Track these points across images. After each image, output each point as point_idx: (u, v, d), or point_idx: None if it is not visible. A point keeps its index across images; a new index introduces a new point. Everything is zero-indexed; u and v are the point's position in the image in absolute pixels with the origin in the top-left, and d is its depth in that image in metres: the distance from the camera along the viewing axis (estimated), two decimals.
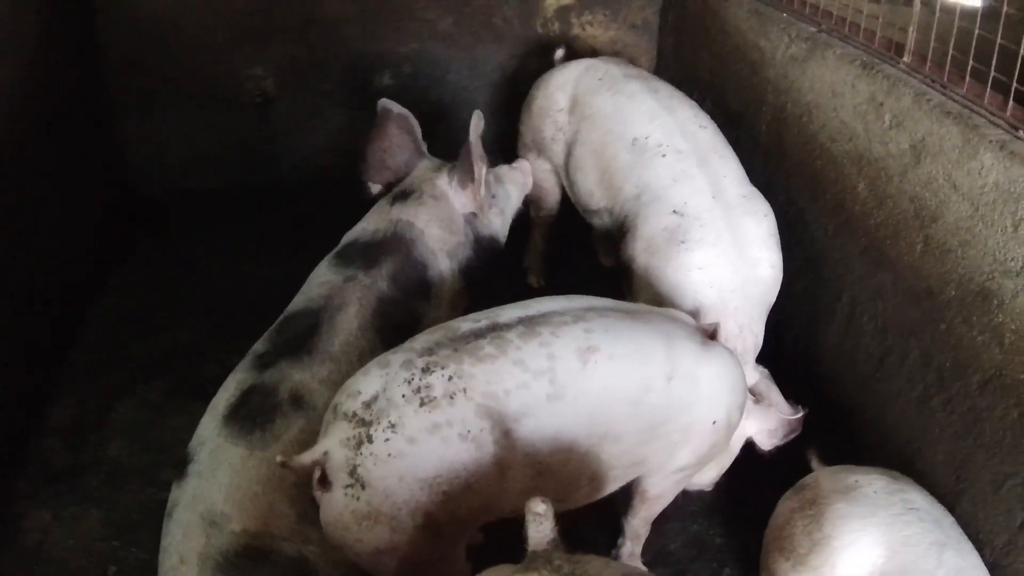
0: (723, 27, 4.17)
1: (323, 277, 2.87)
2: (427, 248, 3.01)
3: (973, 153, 2.59)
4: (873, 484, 2.59)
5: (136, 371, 3.67)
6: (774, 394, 3.07)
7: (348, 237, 3.07)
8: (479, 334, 2.27)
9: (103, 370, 3.71)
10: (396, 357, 2.23)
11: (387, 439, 2.07)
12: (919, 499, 2.56)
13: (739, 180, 3.30)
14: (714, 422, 2.52)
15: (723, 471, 3.10)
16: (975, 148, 2.59)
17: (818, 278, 3.44)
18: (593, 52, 4.86)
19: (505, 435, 2.15)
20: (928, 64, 2.97)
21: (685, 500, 3.16)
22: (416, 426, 2.09)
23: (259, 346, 2.65)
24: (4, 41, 3.44)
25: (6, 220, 3.29)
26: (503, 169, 3.48)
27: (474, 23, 4.87)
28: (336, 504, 2.10)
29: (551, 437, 2.22)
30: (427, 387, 2.13)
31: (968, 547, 2.48)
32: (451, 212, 3.13)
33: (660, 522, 3.03)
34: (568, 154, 3.71)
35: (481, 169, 3.11)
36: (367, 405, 2.12)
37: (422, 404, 2.11)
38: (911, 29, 3.03)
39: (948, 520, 2.54)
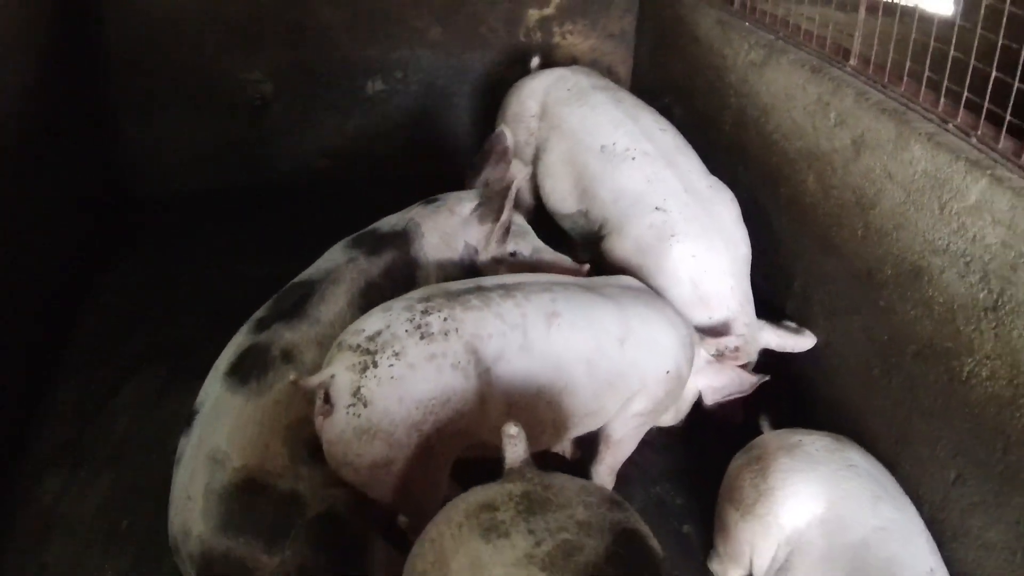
0: (692, 36, 4.40)
1: (332, 255, 3.14)
2: (423, 251, 3.22)
3: (905, 145, 2.84)
4: (815, 443, 2.83)
5: (137, 358, 3.84)
6: (788, 338, 3.41)
7: (375, 224, 3.33)
8: (467, 291, 2.66)
9: (106, 357, 3.87)
10: (397, 303, 2.58)
11: (391, 364, 2.39)
12: (858, 458, 2.79)
13: (702, 173, 3.60)
14: (667, 371, 2.90)
15: (681, 417, 3.34)
16: (907, 141, 2.84)
17: (774, 266, 3.67)
18: (573, 60, 5.10)
19: (486, 371, 2.51)
20: (871, 66, 3.21)
21: (649, 465, 3.41)
22: (417, 354, 2.42)
23: (259, 312, 2.91)
24: (10, 43, 3.61)
25: (8, 216, 3.46)
26: (552, 255, 3.44)
27: (461, 32, 5.06)
28: (338, 423, 2.39)
29: (521, 380, 2.58)
30: (426, 324, 2.48)
31: (904, 501, 2.70)
32: (457, 232, 3.30)
33: (624, 485, 3.26)
34: (538, 159, 3.94)
35: (507, 217, 3.28)
36: (371, 339, 2.43)
37: (422, 337, 2.45)
38: (856, 35, 3.28)
39: (886, 477, 2.77)
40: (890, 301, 2.96)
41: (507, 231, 3.31)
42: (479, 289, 2.69)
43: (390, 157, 4.17)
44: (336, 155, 5.08)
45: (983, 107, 2.63)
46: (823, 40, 3.51)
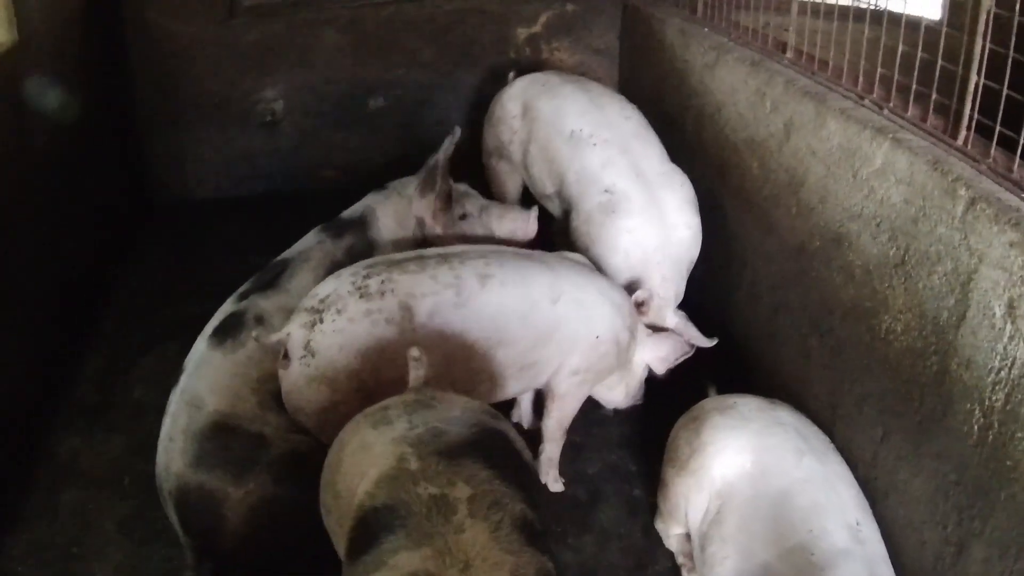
0: (660, 46, 4.51)
1: (306, 239, 3.38)
2: (378, 233, 3.46)
3: (823, 122, 2.94)
4: (748, 404, 2.91)
5: (156, 334, 4.06)
6: (691, 329, 3.45)
7: (343, 213, 3.55)
8: (408, 259, 2.90)
9: (128, 333, 4.15)
10: (346, 271, 2.85)
11: (334, 320, 2.66)
12: (788, 417, 2.86)
13: (659, 160, 3.72)
14: (597, 336, 3.01)
15: (631, 392, 3.41)
16: (824, 118, 2.94)
17: (728, 251, 3.76)
18: None
19: (421, 326, 2.72)
20: (804, 57, 3.31)
21: (605, 432, 3.53)
22: (355, 310, 2.68)
23: (243, 286, 3.17)
24: (47, 62, 3.83)
25: (48, 214, 3.76)
26: (500, 207, 3.75)
27: (453, 52, 5.22)
28: (293, 372, 2.66)
29: (456, 334, 2.75)
30: (366, 286, 2.73)
31: (833, 457, 2.76)
32: (407, 212, 3.54)
33: (581, 449, 3.39)
34: (524, 152, 4.08)
35: (442, 185, 3.49)
36: (321, 300, 2.71)
37: (361, 296, 2.70)
38: (791, 30, 3.39)
39: (815, 435, 2.84)
40: (819, 271, 3.04)
41: (448, 198, 3.51)
42: (419, 257, 2.92)
43: (389, 167, 4.28)
44: (340, 166, 5.26)
45: (909, 86, 2.71)
46: (767, 37, 3.60)
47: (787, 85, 3.21)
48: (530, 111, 4.04)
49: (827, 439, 2.85)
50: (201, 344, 2.96)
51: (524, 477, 2.13)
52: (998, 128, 2.27)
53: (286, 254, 3.29)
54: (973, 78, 2.33)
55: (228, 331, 2.92)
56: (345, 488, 2.05)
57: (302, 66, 5.10)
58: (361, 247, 3.35)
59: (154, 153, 5.18)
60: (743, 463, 2.70)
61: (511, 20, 5.25)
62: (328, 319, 2.66)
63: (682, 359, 3.29)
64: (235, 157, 5.24)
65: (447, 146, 3.48)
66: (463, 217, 3.56)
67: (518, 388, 3.05)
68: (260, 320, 2.94)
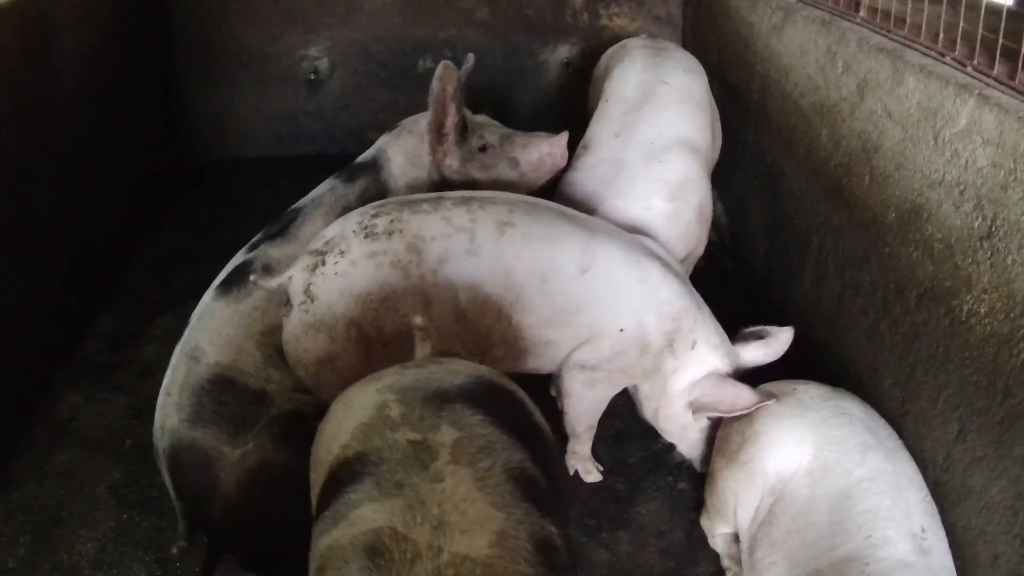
0: (725, 11, 4.25)
1: (320, 186, 3.20)
2: (391, 174, 3.22)
3: (900, 80, 2.66)
4: (809, 391, 2.64)
5: (176, 294, 3.92)
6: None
7: (358, 157, 3.36)
8: (424, 199, 2.63)
9: (148, 291, 4.03)
10: (356, 211, 2.62)
11: (335, 262, 2.43)
12: (854, 407, 2.59)
13: (663, 131, 3.35)
14: (621, 329, 2.65)
15: (692, 445, 3.00)
16: (901, 75, 2.65)
17: (794, 228, 3.49)
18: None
19: (431, 272, 2.46)
20: (878, 16, 3.03)
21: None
22: (358, 252, 2.44)
23: (255, 237, 3.00)
24: (81, 14, 3.74)
25: (76, 168, 3.68)
26: (525, 135, 3.34)
27: (509, 13, 5.00)
28: (293, 320, 2.45)
29: (468, 285, 2.48)
30: (372, 225, 2.49)
31: (902, 455, 2.48)
32: (420, 150, 3.23)
33: (622, 437, 3.15)
34: None
35: (448, 116, 3.13)
36: (327, 242, 2.50)
37: (366, 236, 2.46)
38: None
39: (884, 429, 2.56)
40: (894, 246, 2.75)
41: (462, 130, 3.18)
42: (438, 198, 2.63)
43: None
44: (386, 129, 5.04)
45: (996, 41, 2.41)
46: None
47: (860, 43, 2.92)
48: (609, 70, 3.81)
49: (895, 434, 2.57)
50: (208, 296, 2.80)
51: (530, 433, 1.80)
52: None
53: (300, 201, 3.13)
54: None
55: (234, 281, 2.76)
56: (324, 451, 1.79)
57: (349, 23, 4.93)
58: (374, 190, 3.14)
59: (192, 110, 5.06)
60: (800, 458, 2.44)
61: None
62: (330, 261, 2.44)
63: (732, 414, 2.70)
64: (276, 116, 5.10)
65: (459, 72, 3.11)
66: (482, 149, 3.23)
67: (536, 364, 2.72)
68: (268, 269, 2.76)
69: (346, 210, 2.91)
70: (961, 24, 2.57)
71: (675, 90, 3.50)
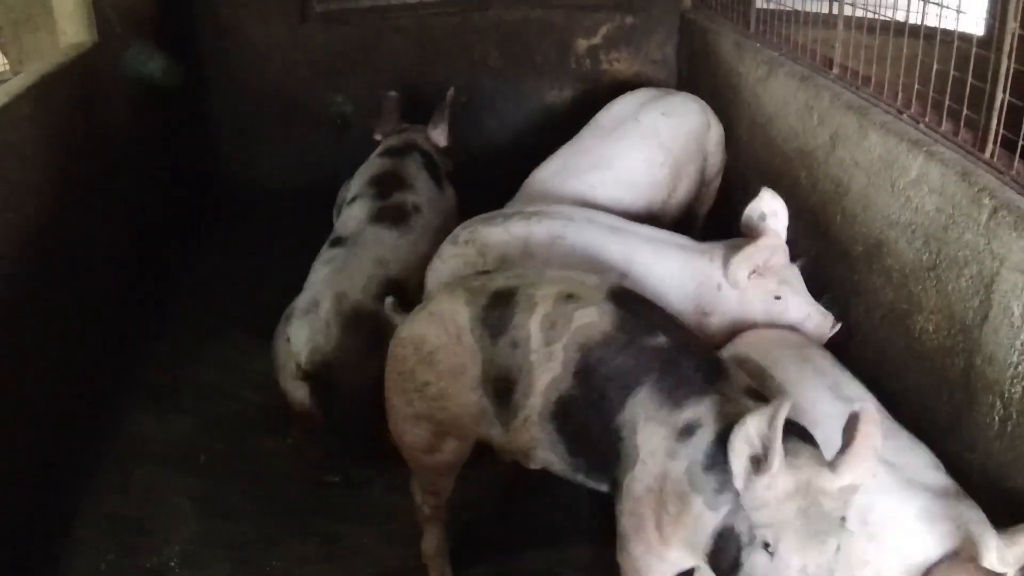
0: (716, 58, 4.76)
1: (374, 161, 4.35)
2: (422, 149, 4.40)
3: (865, 135, 3.17)
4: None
5: (225, 319, 4.34)
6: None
7: (382, 147, 4.47)
8: (509, 215, 3.43)
9: (198, 318, 4.41)
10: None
11: (440, 260, 3.41)
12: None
13: (610, 159, 4.02)
14: None
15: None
16: (866, 131, 3.17)
17: None
18: (620, 84, 5.44)
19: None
20: (848, 73, 3.54)
21: None
22: (447, 254, 3.38)
23: (367, 189, 4.07)
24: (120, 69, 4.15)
25: (124, 206, 4.07)
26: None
27: (518, 60, 5.49)
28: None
29: None
30: (455, 236, 3.42)
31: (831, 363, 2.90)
32: (431, 140, 4.53)
33: None
34: None
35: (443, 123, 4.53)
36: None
37: (452, 243, 3.40)
38: (837, 46, 3.62)
39: (818, 350, 3.00)
40: (862, 275, 3.25)
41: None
42: (519, 213, 3.41)
43: (452, 170, 4.59)
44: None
45: (943, 102, 2.94)
46: (814, 53, 3.83)
47: (833, 99, 3.44)
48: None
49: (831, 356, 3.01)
50: (353, 223, 3.87)
51: None
52: (1021, 142, 2.50)
53: (370, 167, 4.29)
54: (999, 95, 2.56)
55: (392, 216, 3.85)
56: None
57: (371, 70, 5.37)
58: (412, 162, 4.30)
59: (227, 150, 5.48)
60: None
61: (573, 30, 5.52)
62: (437, 261, 3.37)
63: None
64: (306, 157, 5.50)
65: (451, 95, 4.57)
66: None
67: None
68: (417, 208, 3.96)
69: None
70: (916, 85, 3.09)
71: (641, 127, 4.11)
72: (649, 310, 2.53)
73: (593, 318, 2.45)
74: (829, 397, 2.61)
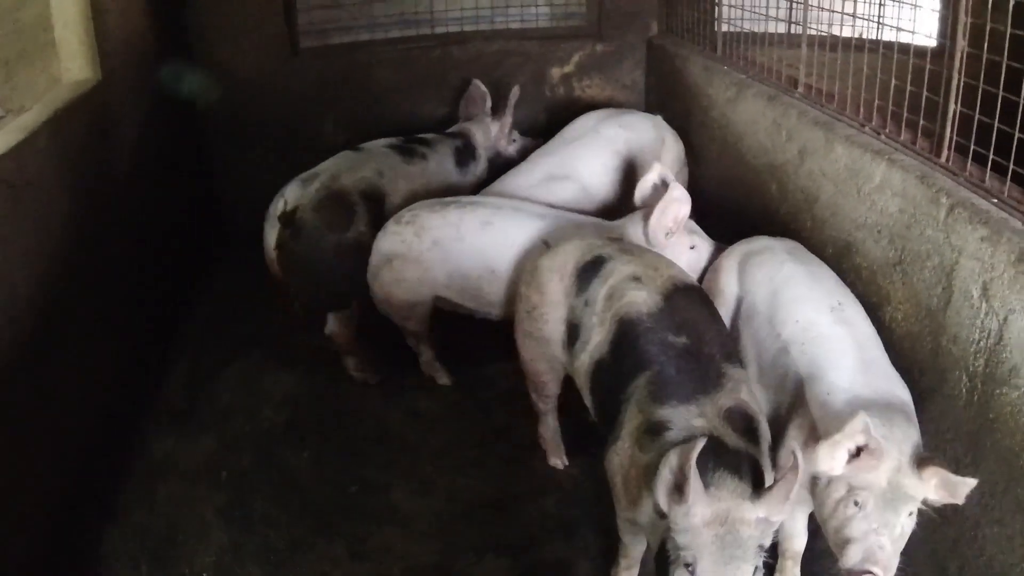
0: (685, 82, 5.09)
1: (439, 141, 4.94)
2: (476, 141, 5.10)
3: (831, 148, 3.51)
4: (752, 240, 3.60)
5: (238, 344, 4.55)
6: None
7: (444, 140, 5.00)
8: (446, 203, 4.01)
9: (211, 342, 4.62)
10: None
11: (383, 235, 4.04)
12: (777, 243, 3.50)
13: (565, 164, 4.58)
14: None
15: None
16: (832, 144, 3.50)
17: None
18: (593, 108, 5.70)
19: (428, 248, 3.89)
20: (813, 91, 3.89)
21: None
22: (389, 229, 4.01)
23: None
24: (129, 97, 4.33)
25: (137, 234, 4.24)
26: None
27: (496, 89, 5.60)
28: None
29: (454, 260, 3.86)
30: (400, 217, 4.01)
31: (816, 264, 3.35)
32: (487, 132, 5.18)
33: None
34: None
35: (506, 117, 5.17)
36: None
37: (396, 223, 4.01)
38: (802, 67, 3.96)
39: (804, 254, 3.44)
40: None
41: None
42: (456, 202, 3.99)
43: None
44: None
45: (901, 114, 3.30)
46: (780, 74, 4.18)
47: (800, 116, 3.78)
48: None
49: (818, 259, 3.43)
50: (382, 148, 4.57)
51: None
52: (972, 147, 2.85)
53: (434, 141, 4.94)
54: (952, 106, 2.91)
55: (406, 151, 4.61)
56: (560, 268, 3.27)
57: (359, 101, 5.63)
58: (463, 149, 5.05)
59: (225, 182, 5.69)
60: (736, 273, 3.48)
61: (547, 60, 5.84)
62: (379, 234, 3.99)
63: None
64: None
65: (514, 93, 5.16)
66: (515, 141, 5.33)
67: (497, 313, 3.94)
68: (425, 158, 4.73)
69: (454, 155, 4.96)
70: (876, 100, 3.44)
71: (599, 138, 4.66)
72: (691, 311, 2.91)
73: (639, 300, 2.90)
74: (829, 320, 3.00)
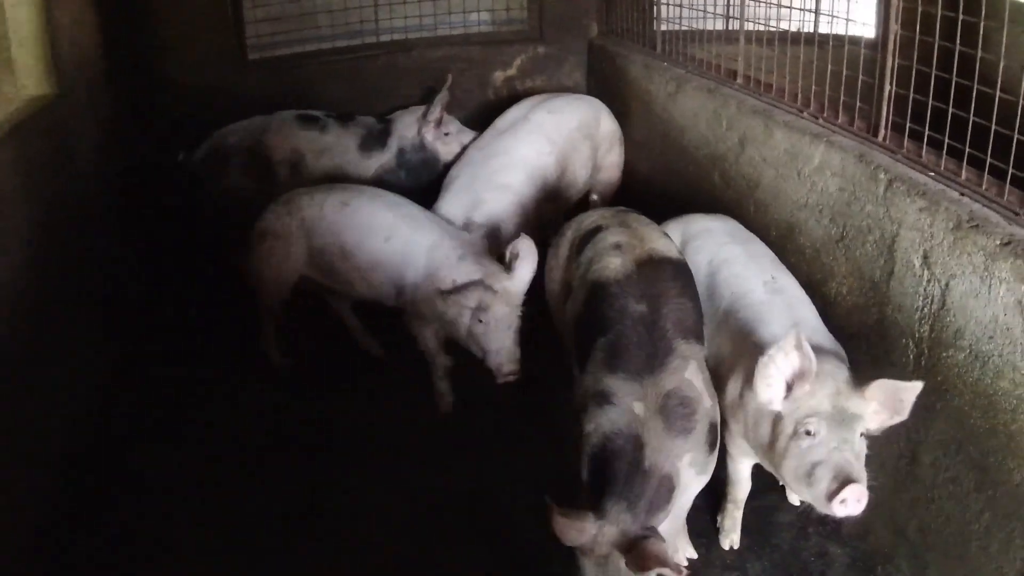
0: (626, 80, 5.14)
1: (356, 123, 5.10)
2: (393, 129, 5.11)
3: (771, 134, 3.57)
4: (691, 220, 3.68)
5: (214, 352, 4.56)
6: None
7: (366, 123, 5.11)
8: (319, 189, 4.26)
9: (186, 351, 4.58)
10: None
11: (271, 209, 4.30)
12: (716, 223, 3.60)
13: (508, 151, 4.71)
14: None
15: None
16: (771, 130, 3.57)
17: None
18: None
19: (298, 227, 4.11)
20: (751, 82, 3.95)
21: None
22: (275, 208, 4.22)
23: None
24: (84, 113, 4.27)
25: (96, 255, 4.19)
26: (461, 128, 5.24)
27: None
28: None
29: (319, 238, 4.07)
30: (282, 198, 4.28)
31: (754, 243, 3.45)
32: (409, 125, 5.12)
33: None
34: None
35: (432, 112, 5.02)
36: None
37: (277, 204, 4.26)
38: (739, 59, 4.03)
39: (743, 233, 3.54)
40: (778, 256, 3.56)
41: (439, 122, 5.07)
42: (326, 187, 4.27)
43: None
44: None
45: (839, 99, 3.38)
46: (719, 67, 4.24)
47: (739, 106, 3.84)
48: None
49: (756, 239, 3.53)
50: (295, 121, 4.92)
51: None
52: (908, 125, 2.92)
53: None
54: (887, 87, 2.98)
55: (308, 120, 4.93)
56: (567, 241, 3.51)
57: (316, 107, 5.48)
58: (381, 138, 5.10)
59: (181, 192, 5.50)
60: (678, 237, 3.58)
61: (490, 64, 5.83)
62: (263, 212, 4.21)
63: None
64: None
65: (443, 94, 5.01)
66: (446, 135, 5.13)
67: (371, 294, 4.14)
68: (325, 130, 4.96)
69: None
70: (813, 86, 3.51)
71: (530, 124, 4.81)
72: (659, 282, 2.98)
73: (612, 266, 3.03)
74: (762, 290, 3.12)
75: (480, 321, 3.62)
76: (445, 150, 5.12)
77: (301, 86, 5.54)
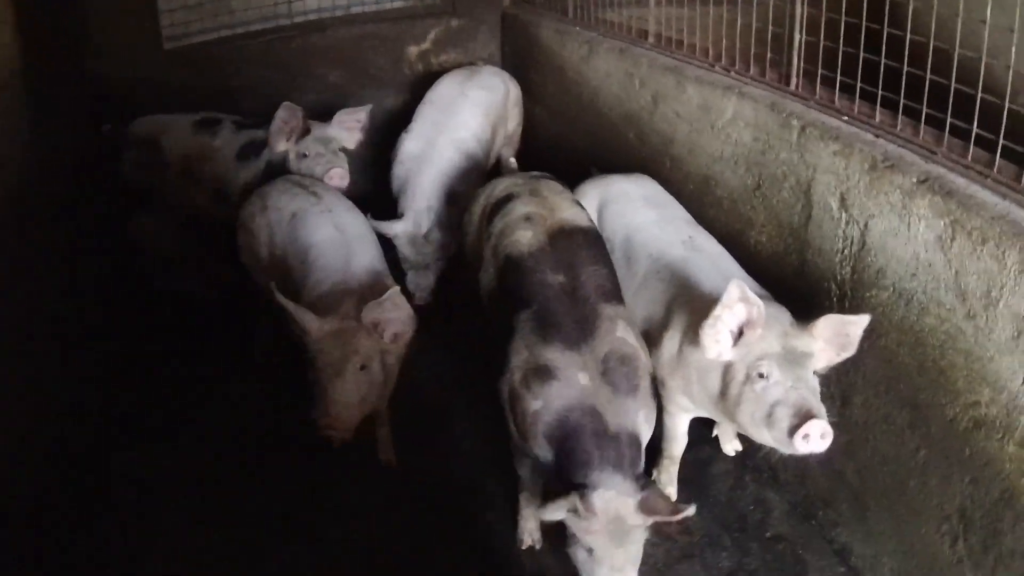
0: (539, 47, 4.98)
1: (244, 132, 4.72)
2: (270, 143, 4.58)
3: (683, 89, 3.45)
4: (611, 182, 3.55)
5: (195, 354, 4.32)
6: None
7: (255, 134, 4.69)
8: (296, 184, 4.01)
9: (206, 358, 4.34)
10: None
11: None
12: (633, 187, 3.47)
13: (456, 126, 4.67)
14: None
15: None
16: (683, 86, 3.45)
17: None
18: None
19: (266, 224, 3.81)
20: (663, 41, 3.83)
21: None
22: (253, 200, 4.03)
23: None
24: (20, 109, 3.96)
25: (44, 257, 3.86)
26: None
27: (356, 74, 5.53)
28: None
29: (280, 237, 3.72)
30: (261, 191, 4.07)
31: (672, 207, 3.35)
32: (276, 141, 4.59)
33: None
34: None
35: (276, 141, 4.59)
36: None
37: (256, 197, 4.05)
38: (651, 20, 3.90)
39: (663, 196, 3.43)
40: (696, 208, 3.48)
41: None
42: (298, 184, 4.00)
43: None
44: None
45: (749, 51, 3.26)
46: (630, 28, 4.10)
47: (651, 64, 3.72)
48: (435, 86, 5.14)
49: (676, 202, 3.42)
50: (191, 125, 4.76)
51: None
52: (820, 72, 2.82)
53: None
54: (797, 36, 2.87)
55: (204, 124, 4.70)
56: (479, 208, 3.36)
57: (228, 99, 5.29)
58: (252, 152, 4.70)
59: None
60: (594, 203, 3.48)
61: (404, 40, 5.60)
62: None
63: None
64: None
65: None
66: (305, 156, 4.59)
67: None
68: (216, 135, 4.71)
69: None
70: (724, 40, 3.39)
71: (470, 100, 4.78)
72: (573, 251, 2.84)
73: (524, 239, 2.87)
74: (682, 251, 3.02)
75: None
76: (320, 169, 4.52)
77: (216, 73, 5.30)
